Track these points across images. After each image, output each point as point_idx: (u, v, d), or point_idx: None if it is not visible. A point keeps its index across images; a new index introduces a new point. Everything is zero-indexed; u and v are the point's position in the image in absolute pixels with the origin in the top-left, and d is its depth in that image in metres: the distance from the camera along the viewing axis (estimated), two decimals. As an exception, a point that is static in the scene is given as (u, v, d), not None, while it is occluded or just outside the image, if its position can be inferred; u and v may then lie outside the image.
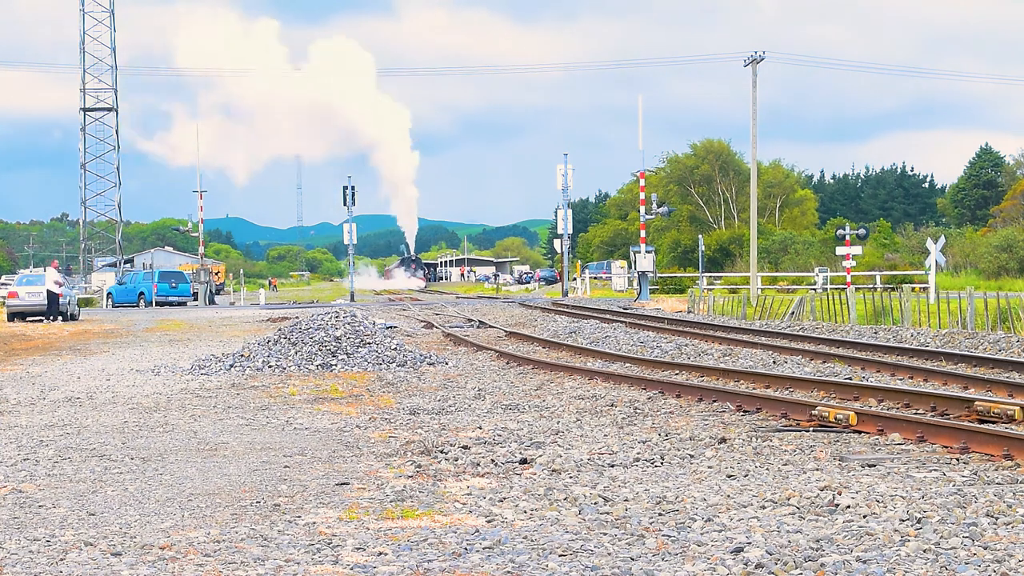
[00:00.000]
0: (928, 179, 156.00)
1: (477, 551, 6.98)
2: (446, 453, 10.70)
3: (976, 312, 28.07)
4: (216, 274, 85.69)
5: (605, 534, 7.36)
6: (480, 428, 12.41)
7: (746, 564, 6.48)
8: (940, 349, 20.33)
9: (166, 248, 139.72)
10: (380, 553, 6.98)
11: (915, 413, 12.43)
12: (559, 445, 11.05)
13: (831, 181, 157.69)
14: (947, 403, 12.65)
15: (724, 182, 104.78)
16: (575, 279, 73.20)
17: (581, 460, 10.16)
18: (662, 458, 10.21)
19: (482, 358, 22.36)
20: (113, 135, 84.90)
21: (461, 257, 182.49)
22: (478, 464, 10.10)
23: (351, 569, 6.63)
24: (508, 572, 6.52)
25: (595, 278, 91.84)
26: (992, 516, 7.45)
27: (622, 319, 32.29)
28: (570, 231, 64.85)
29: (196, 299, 63.37)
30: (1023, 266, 62.25)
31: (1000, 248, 64.19)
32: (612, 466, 9.91)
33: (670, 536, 7.22)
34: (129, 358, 24.08)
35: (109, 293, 62.03)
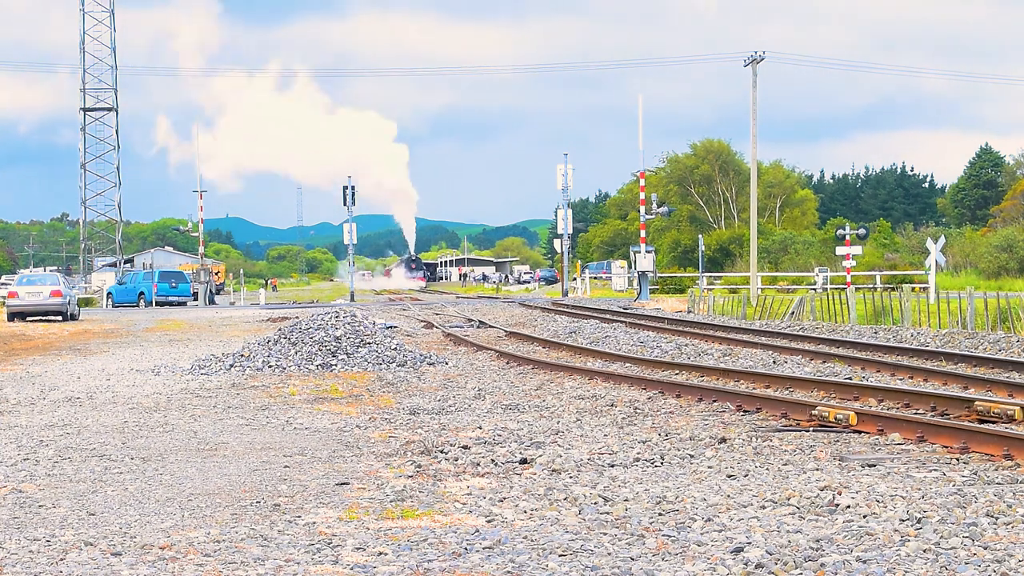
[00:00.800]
0: (928, 179, 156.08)
1: (477, 551, 6.98)
2: (446, 453, 10.70)
3: (976, 312, 28.07)
4: (216, 274, 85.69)
5: (605, 534, 7.36)
6: (480, 428, 12.41)
7: (746, 564, 6.48)
8: (940, 349, 20.33)
9: (166, 248, 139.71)
10: (380, 553, 6.98)
11: (915, 413, 12.43)
12: (559, 445, 11.05)
13: (831, 181, 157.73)
14: (947, 403, 12.65)
15: (724, 182, 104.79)
16: (575, 279, 73.20)
17: (581, 460, 10.16)
18: (662, 458, 10.21)
19: (482, 358, 22.36)
20: (113, 135, 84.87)
21: (461, 257, 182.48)
22: (478, 464, 10.10)
23: (351, 569, 6.63)
24: (508, 572, 6.52)
25: (595, 278, 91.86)
26: (992, 516, 7.45)
27: (622, 319, 32.29)
28: (570, 231, 64.85)
29: (196, 299, 63.37)
30: (1023, 266, 62.25)
31: (1000, 248, 64.19)
32: (612, 466, 9.91)
33: (670, 536, 7.22)
34: (129, 358, 24.08)
35: (109, 293, 62.02)
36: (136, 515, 8.29)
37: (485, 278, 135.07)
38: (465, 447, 10.98)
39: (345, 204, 62.39)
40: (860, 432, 11.37)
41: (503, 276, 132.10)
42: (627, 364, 19.76)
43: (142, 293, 58.77)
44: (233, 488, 9.29)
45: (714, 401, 14.06)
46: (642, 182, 60.14)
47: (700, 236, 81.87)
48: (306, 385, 17.48)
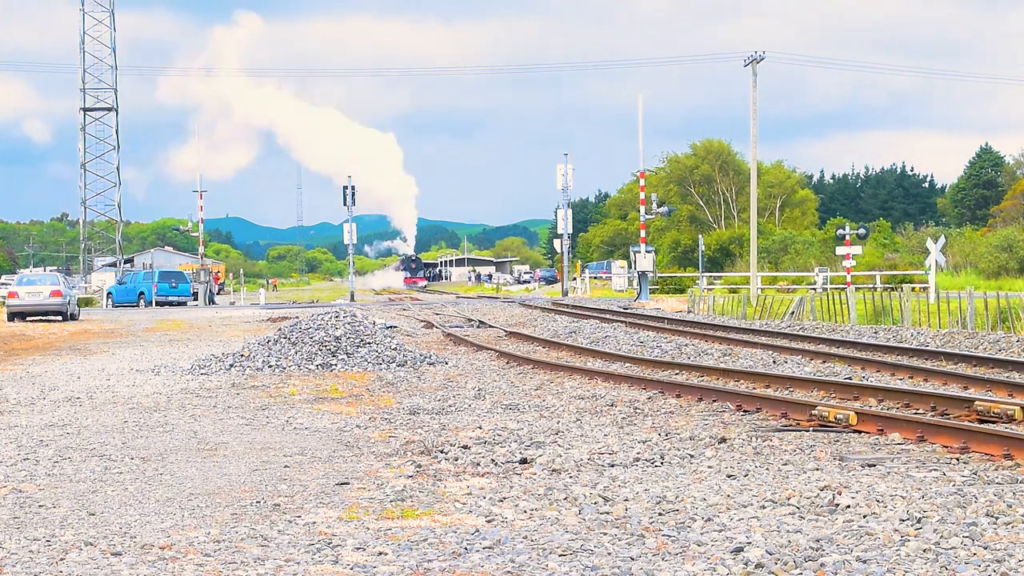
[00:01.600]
0: (928, 179, 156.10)
1: (477, 551, 6.98)
2: (446, 453, 10.70)
3: (976, 312, 28.07)
4: (216, 274, 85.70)
5: (605, 534, 7.36)
6: (480, 428, 12.41)
7: (746, 564, 6.48)
8: (940, 349, 20.33)
9: (166, 248, 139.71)
10: (380, 553, 6.98)
11: (915, 413, 12.43)
12: (559, 445, 11.05)
13: (831, 181, 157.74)
14: (947, 403, 12.65)
15: (724, 182, 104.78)
16: (575, 279, 73.21)
17: (581, 460, 10.16)
18: (662, 458, 10.21)
19: (482, 358, 22.36)
20: (113, 135, 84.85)
21: (461, 257, 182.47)
22: (478, 464, 10.10)
23: (351, 569, 6.63)
24: (508, 572, 6.51)
25: (595, 278, 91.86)
26: (992, 516, 7.45)
27: (622, 319, 32.29)
28: (570, 231, 64.87)
29: (196, 299, 63.39)
30: (1023, 266, 62.24)
31: (1000, 248, 64.16)
32: (612, 466, 9.91)
33: (670, 536, 7.22)
34: (129, 358, 24.08)
35: (109, 293, 62.01)
36: (136, 515, 8.29)
37: (489, 278, 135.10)
38: (465, 447, 10.98)
39: (345, 204, 62.41)
40: (860, 432, 11.37)
41: (512, 277, 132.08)
42: (627, 364, 19.76)
43: (142, 293, 58.77)
44: (233, 488, 9.29)
45: (714, 401, 14.06)
46: (642, 182, 60.14)
47: (700, 236, 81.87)
48: (306, 385, 17.48)
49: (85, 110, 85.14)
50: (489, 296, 66.50)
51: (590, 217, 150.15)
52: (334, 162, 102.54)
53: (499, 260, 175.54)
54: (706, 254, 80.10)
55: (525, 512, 8.10)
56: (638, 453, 10.46)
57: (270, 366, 19.99)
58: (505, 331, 30.01)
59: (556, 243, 70.69)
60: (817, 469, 9.48)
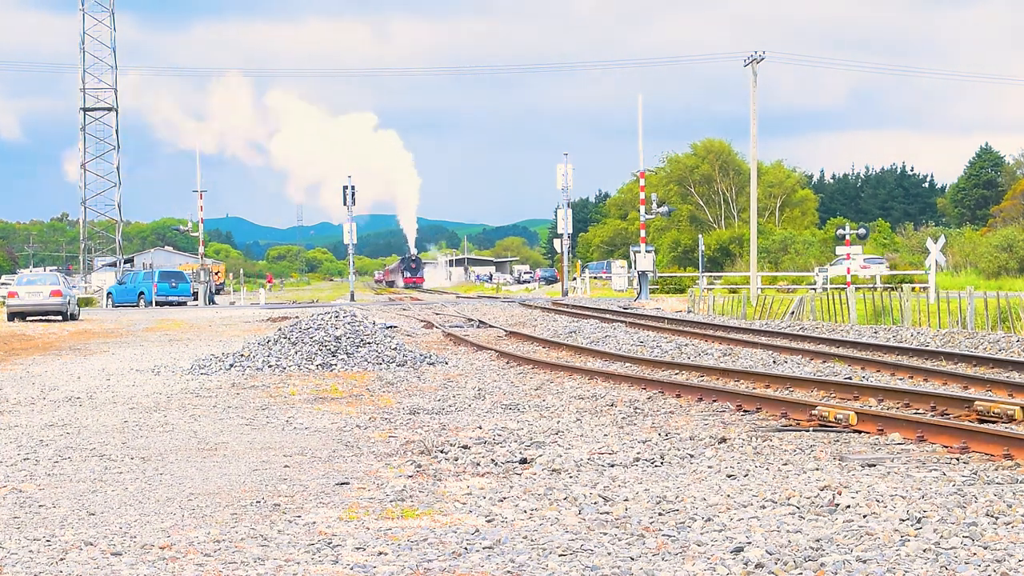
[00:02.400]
0: (928, 179, 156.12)
1: (477, 551, 6.98)
2: (446, 453, 10.70)
3: (976, 312, 28.07)
4: (216, 274, 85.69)
5: (605, 534, 7.36)
6: (480, 428, 12.41)
7: (746, 564, 6.48)
8: (940, 349, 20.33)
9: (166, 248, 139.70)
10: (380, 553, 6.98)
11: (915, 413, 12.43)
12: (559, 445, 11.05)
13: (831, 181, 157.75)
14: (947, 403, 12.65)
15: (724, 182, 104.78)
16: (575, 279, 73.21)
17: (581, 460, 10.16)
18: (662, 458, 10.21)
19: (482, 358, 22.36)
20: (113, 135, 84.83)
21: (461, 257, 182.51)
22: (478, 464, 10.10)
23: (351, 569, 6.63)
24: (508, 572, 6.52)
25: (595, 278, 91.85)
26: (992, 516, 7.45)
27: (622, 319, 32.29)
28: (570, 231, 64.86)
29: (196, 299, 63.38)
30: (1023, 266, 62.24)
31: (1000, 248, 64.15)
32: (612, 466, 9.91)
33: (670, 536, 7.22)
34: (129, 358, 24.08)
35: (109, 293, 62.00)
36: (136, 515, 8.29)
37: (489, 278, 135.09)
38: (465, 447, 10.98)
39: (345, 204, 62.41)
40: (860, 432, 11.37)
41: (512, 277, 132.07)
42: (627, 364, 19.75)
43: (142, 293, 58.76)
44: (233, 488, 9.29)
45: (714, 401, 14.06)
46: (642, 182, 60.14)
47: (700, 236, 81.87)
48: (306, 385, 17.48)
49: (85, 110, 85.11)
50: (489, 296, 66.51)
51: (590, 217, 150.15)
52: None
53: (499, 260, 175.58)
54: (706, 254, 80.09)
55: (525, 512, 8.10)
56: (638, 453, 10.46)
57: (270, 366, 19.99)
58: (505, 331, 30.02)
59: (556, 243, 70.68)
60: (817, 469, 9.48)
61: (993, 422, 11.56)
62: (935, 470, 9.32)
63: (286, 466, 10.31)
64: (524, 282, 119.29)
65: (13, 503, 8.81)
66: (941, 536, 6.94)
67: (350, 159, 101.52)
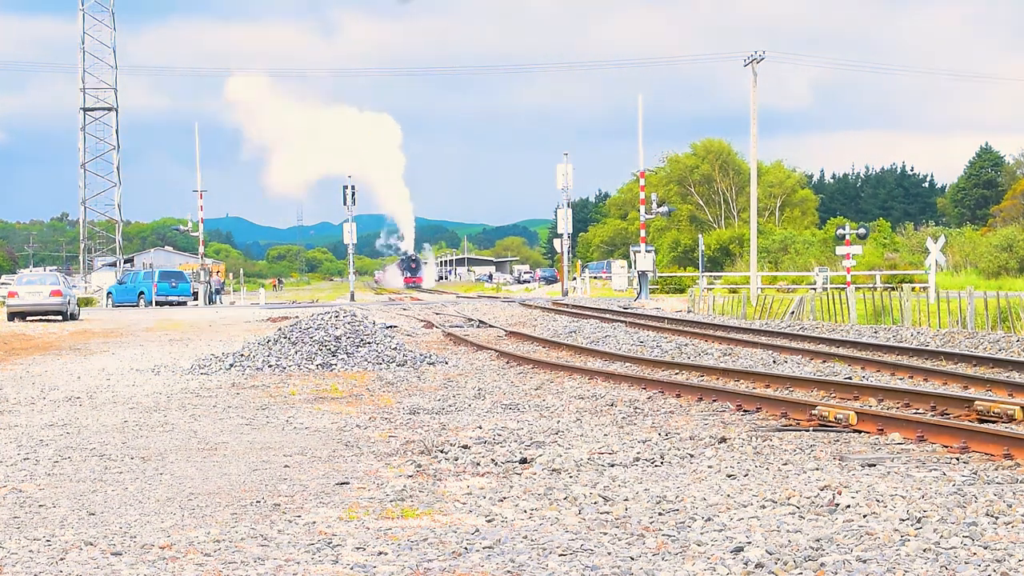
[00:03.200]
0: (928, 179, 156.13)
1: (477, 551, 6.98)
2: (446, 453, 10.70)
3: (976, 312, 28.07)
4: (216, 273, 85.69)
5: (605, 534, 7.36)
6: (480, 428, 12.41)
7: (746, 564, 6.48)
8: (940, 349, 20.33)
9: (166, 248, 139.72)
10: (380, 553, 6.98)
11: (915, 413, 12.43)
12: (559, 445, 11.05)
13: (831, 181, 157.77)
14: (947, 403, 12.65)
15: (724, 182, 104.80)
16: (575, 279, 73.21)
17: (581, 460, 10.16)
18: (662, 458, 10.21)
19: (482, 357, 22.36)
20: (113, 135, 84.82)
21: (461, 257, 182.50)
22: (478, 464, 10.10)
23: (351, 569, 6.63)
24: (508, 572, 6.51)
25: (595, 278, 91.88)
26: (992, 516, 7.45)
27: (622, 319, 32.29)
28: (570, 231, 64.85)
29: (196, 299, 63.39)
30: (1023, 266, 62.25)
31: (1000, 248, 64.16)
32: (612, 466, 9.92)
33: (670, 536, 7.22)
34: (129, 358, 24.08)
35: (109, 293, 61.99)
36: (136, 515, 8.29)
37: (489, 277, 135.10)
38: (465, 447, 10.98)
39: (345, 204, 62.43)
40: (860, 432, 11.37)
41: (512, 277, 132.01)
42: (627, 364, 19.75)
43: (142, 293, 58.75)
44: (233, 488, 9.29)
45: (714, 401, 14.06)
46: (642, 182, 60.15)
47: (700, 236, 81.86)
48: (306, 385, 17.48)
49: (85, 110, 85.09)
50: (489, 296, 66.51)
51: (590, 217, 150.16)
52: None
53: (499, 260, 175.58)
54: (706, 254, 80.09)
55: (525, 512, 8.10)
56: (638, 453, 10.46)
57: (270, 366, 19.99)
58: (505, 331, 30.01)
59: (556, 243, 70.65)
60: (817, 469, 9.48)
61: (993, 422, 11.56)
62: (935, 470, 9.32)
63: (286, 466, 10.31)
64: (524, 282, 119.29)
65: (13, 503, 8.81)
66: (941, 536, 6.94)
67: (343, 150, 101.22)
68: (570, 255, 67.51)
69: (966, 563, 6.36)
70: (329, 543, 7.23)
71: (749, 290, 50.29)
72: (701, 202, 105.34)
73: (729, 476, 9.24)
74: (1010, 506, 7.72)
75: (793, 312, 35.65)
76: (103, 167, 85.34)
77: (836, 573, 6.27)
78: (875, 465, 9.65)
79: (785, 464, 9.78)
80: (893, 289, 42.58)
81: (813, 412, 12.04)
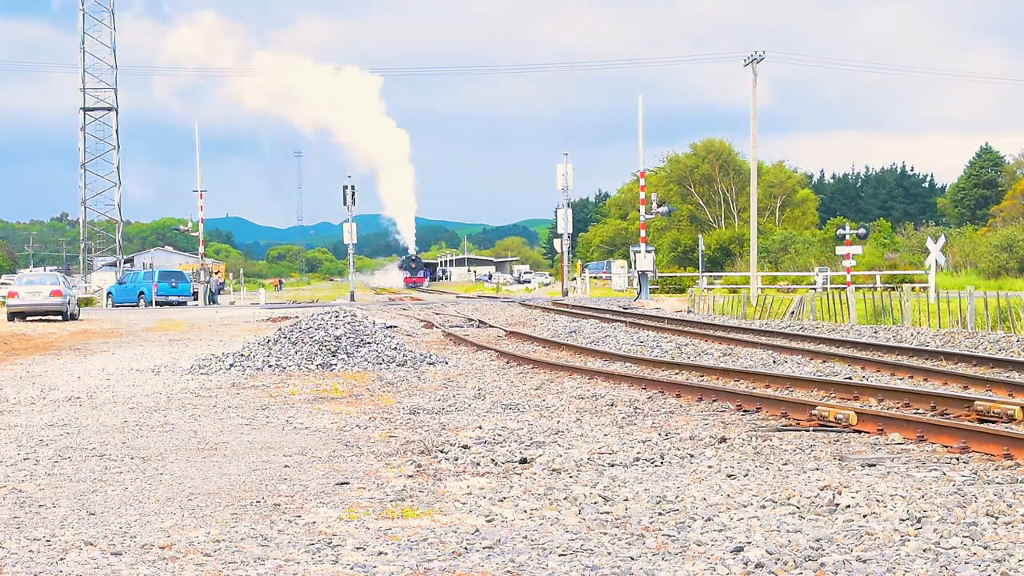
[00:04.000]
0: (928, 179, 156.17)
1: (477, 551, 6.98)
2: (446, 453, 10.70)
3: (976, 312, 28.08)
4: (216, 273, 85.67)
5: (605, 534, 7.36)
6: (480, 428, 12.41)
7: (746, 564, 6.48)
8: (940, 349, 20.33)
9: (166, 248, 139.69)
10: (380, 553, 6.98)
11: (915, 413, 12.43)
12: (559, 445, 11.05)
13: (831, 181, 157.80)
14: (947, 403, 12.65)
15: (724, 182, 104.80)
16: (575, 278, 73.21)
17: (581, 460, 10.16)
18: (662, 458, 10.21)
19: (482, 357, 22.36)
20: (113, 135, 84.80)
21: (461, 257, 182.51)
22: (478, 464, 10.10)
23: (351, 569, 6.63)
24: (508, 572, 6.51)
25: (595, 278, 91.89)
26: (992, 516, 7.45)
27: (622, 319, 32.29)
28: (570, 231, 64.86)
29: (196, 299, 63.39)
30: (1023, 266, 62.27)
31: (1000, 248, 64.20)
32: (612, 466, 9.91)
33: (670, 536, 7.22)
34: (129, 358, 24.08)
35: (109, 293, 61.97)
36: (136, 515, 8.29)
37: (489, 277, 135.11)
38: (465, 447, 10.98)
39: (345, 204, 62.42)
40: (860, 432, 11.37)
41: (512, 277, 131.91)
42: (627, 364, 19.75)
43: (142, 293, 58.75)
44: (233, 488, 9.29)
45: (714, 401, 14.06)
46: (642, 182, 60.17)
47: (700, 236, 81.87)
48: (306, 385, 17.48)
49: (85, 110, 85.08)
50: (489, 296, 66.51)
51: (590, 217, 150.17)
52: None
53: (499, 260, 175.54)
54: (706, 254, 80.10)
55: (525, 512, 8.10)
56: (638, 453, 10.46)
57: (270, 366, 19.99)
58: (505, 331, 30.01)
59: (556, 243, 70.68)
60: (817, 469, 9.48)
61: (993, 422, 11.56)
62: (935, 470, 9.32)
63: (286, 466, 10.31)
64: (524, 282, 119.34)
65: (13, 503, 8.81)
66: (941, 536, 6.94)
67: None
68: (570, 255, 67.51)
69: (966, 563, 6.36)
70: (329, 543, 7.23)
71: (749, 290, 50.29)
72: (701, 202, 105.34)
73: (729, 476, 9.24)
74: (1010, 506, 7.72)
75: (793, 312, 35.65)
76: (103, 167, 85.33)
77: (836, 573, 6.27)
78: (875, 465, 9.65)
79: (785, 464, 9.78)
80: (893, 289, 42.59)
81: (813, 412, 12.04)
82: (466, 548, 7.04)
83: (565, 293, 61.79)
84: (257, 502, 8.67)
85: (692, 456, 10.30)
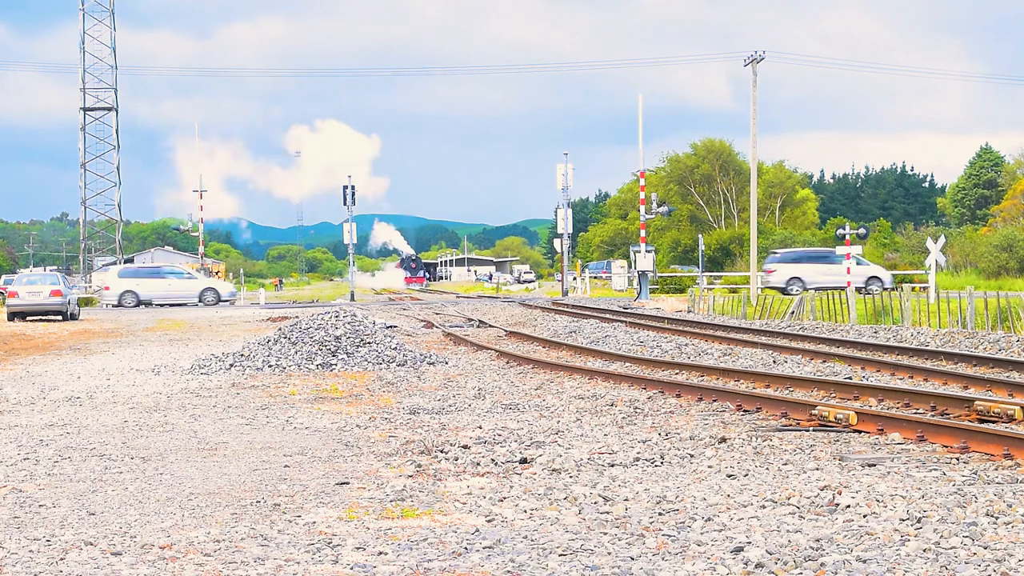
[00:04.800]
0: (928, 179, 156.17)
1: (477, 551, 6.98)
2: (446, 452, 10.70)
3: (976, 312, 28.08)
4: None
5: (605, 534, 7.36)
6: (480, 428, 12.41)
7: (746, 564, 6.48)
8: (940, 349, 20.33)
9: (166, 248, 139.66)
10: (380, 553, 6.98)
11: (915, 413, 12.43)
12: (559, 445, 11.05)
13: (831, 181, 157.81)
14: (947, 403, 12.65)
15: (724, 182, 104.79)
16: (575, 278, 73.22)
17: (581, 460, 10.16)
18: (662, 458, 10.21)
19: (482, 357, 22.36)
20: (113, 135, 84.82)
21: (461, 257, 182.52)
22: (478, 464, 10.10)
23: (351, 569, 6.63)
24: (508, 572, 6.51)
25: (595, 278, 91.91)
26: (992, 516, 7.45)
27: (622, 319, 32.29)
28: (570, 231, 64.86)
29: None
30: (1023, 266, 62.26)
31: (1000, 248, 64.18)
32: (612, 466, 9.92)
33: (670, 536, 7.22)
34: (129, 358, 24.08)
35: (109, 293, 61.84)
36: (136, 515, 8.29)
37: (489, 277, 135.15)
38: (465, 447, 10.98)
39: (345, 204, 62.43)
40: (860, 432, 11.37)
41: (512, 276, 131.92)
42: (627, 364, 19.75)
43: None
44: (233, 488, 9.29)
45: (714, 401, 14.06)
46: (642, 182, 60.15)
47: (700, 236, 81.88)
48: (306, 385, 17.48)
49: (85, 110, 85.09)
50: (489, 296, 66.51)
51: (590, 217, 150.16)
52: None
53: (499, 260, 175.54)
54: (706, 254, 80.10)
55: (525, 512, 8.10)
56: (638, 453, 10.46)
57: (270, 366, 19.99)
58: (505, 331, 30.01)
59: (556, 243, 70.66)
60: (817, 469, 9.48)
61: (993, 422, 11.56)
62: (935, 470, 9.32)
63: (286, 466, 10.31)
64: (524, 282, 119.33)
65: (13, 503, 8.81)
66: (941, 536, 6.94)
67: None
68: (570, 255, 67.51)
69: (966, 563, 6.36)
70: (329, 543, 7.23)
71: (749, 290, 50.29)
72: (701, 202, 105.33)
73: (729, 476, 9.24)
74: (1010, 506, 7.72)
75: (793, 312, 35.66)
76: (103, 167, 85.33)
77: (836, 573, 6.27)
78: (875, 465, 9.65)
79: (785, 464, 9.78)
80: (893, 289, 42.58)
81: (813, 412, 12.04)
82: (466, 548, 7.04)
83: (565, 293, 61.80)
84: (257, 502, 8.67)
85: (692, 456, 10.30)
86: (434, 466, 10.08)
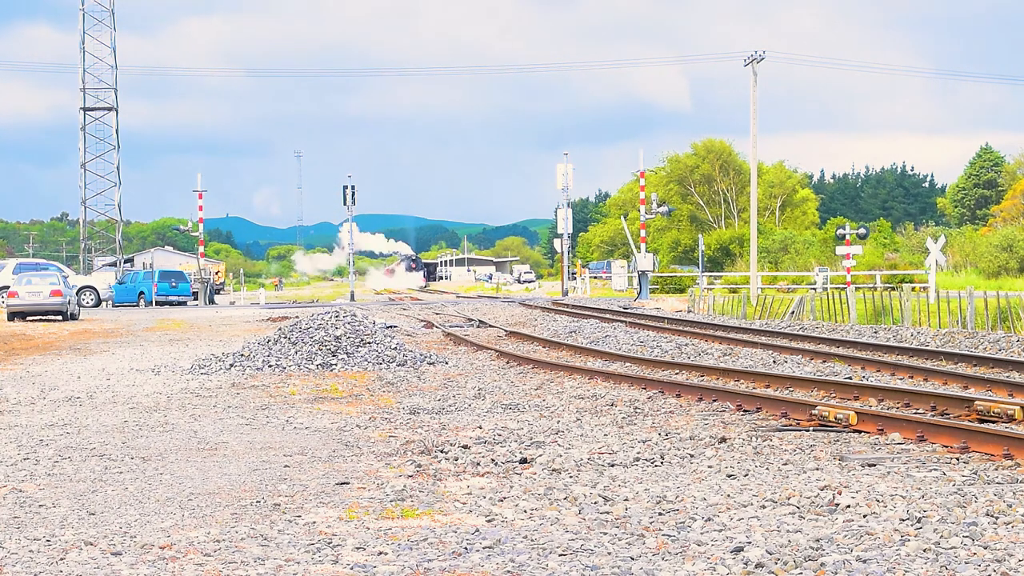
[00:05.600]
0: (928, 179, 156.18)
1: (477, 551, 6.98)
2: (446, 452, 10.70)
3: (976, 312, 28.09)
4: (216, 273, 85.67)
5: (605, 534, 7.36)
6: (480, 428, 12.41)
7: (746, 564, 6.48)
8: (940, 349, 20.33)
9: (166, 248, 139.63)
10: (380, 553, 6.98)
11: (915, 413, 12.43)
12: (559, 444, 11.05)
13: (831, 181, 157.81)
14: (947, 403, 12.65)
15: (724, 182, 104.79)
16: (575, 278, 73.21)
17: (581, 460, 10.16)
18: (662, 458, 10.21)
19: (482, 357, 22.36)
20: (113, 135, 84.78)
21: (461, 257, 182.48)
22: (478, 463, 10.10)
23: (351, 569, 6.63)
24: (508, 572, 6.51)
25: (595, 278, 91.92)
26: (992, 516, 7.45)
27: (622, 319, 32.29)
28: (570, 231, 64.88)
29: (196, 299, 63.39)
30: (1023, 266, 62.25)
31: (1000, 248, 64.16)
32: (612, 466, 9.91)
33: (670, 536, 7.22)
34: (129, 358, 24.08)
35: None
36: (136, 515, 8.29)
37: (489, 278, 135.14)
38: (465, 447, 10.98)
39: (345, 204, 62.45)
40: (860, 432, 11.37)
41: (512, 277, 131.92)
42: (627, 364, 19.75)
43: (142, 293, 58.74)
44: (233, 488, 9.29)
45: (714, 401, 14.06)
46: (642, 182, 60.16)
47: (700, 236, 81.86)
48: (306, 385, 17.48)
49: (85, 110, 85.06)
50: (489, 296, 66.51)
51: (590, 217, 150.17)
52: None
53: (499, 260, 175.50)
54: (706, 254, 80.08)
55: (525, 512, 8.10)
56: (638, 453, 10.46)
57: (270, 366, 19.99)
58: (505, 331, 30.01)
59: (556, 243, 70.70)
60: (817, 469, 9.48)
61: (993, 422, 11.56)
62: (935, 470, 9.32)
63: (286, 466, 10.31)
64: (525, 282, 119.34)
65: (13, 503, 8.80)
66: (941, 536, 6.94)
67: None
68: (570, 255, 67.51)
69: (966, 563, 6.36)
70: (329, 543, 7.23)
71: (749, 290, 50.29)
72: (701, 202, 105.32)
73: (729, 476, 9.24)
74: (1010, 506, 7.72)
75: (793, 312, 35.66)
76: (103, 167, 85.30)
77: (836, 573, 6.26)
78: (875, 465, 9.65)
79: (785, 464, 9.78)
80: (893, 289, 42.59)
81: (813, 412, 12.04)
82: (466, 548, 7.04)
83: (565, 293, 61.80)
84: (257, 502, 8.66)
85: (692, 456, 10.30)
86: (434, 466, 10.07)
